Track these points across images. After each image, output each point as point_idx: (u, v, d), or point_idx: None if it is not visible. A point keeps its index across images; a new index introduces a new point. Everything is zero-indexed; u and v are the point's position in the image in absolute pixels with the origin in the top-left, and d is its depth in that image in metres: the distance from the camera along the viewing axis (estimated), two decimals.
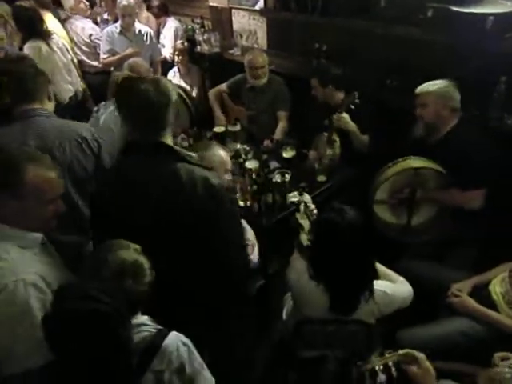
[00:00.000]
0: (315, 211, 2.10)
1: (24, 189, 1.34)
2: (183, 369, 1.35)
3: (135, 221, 1.52)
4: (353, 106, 2.68)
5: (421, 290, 1.90)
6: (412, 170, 2.28)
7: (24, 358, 1.29)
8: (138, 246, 1.40)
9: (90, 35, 4.38)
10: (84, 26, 4.40)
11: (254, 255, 2.14)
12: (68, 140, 1.95)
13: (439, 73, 2.57)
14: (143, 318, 1.40)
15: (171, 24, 4.78)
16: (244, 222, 2.22)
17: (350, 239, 1.65)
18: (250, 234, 2.22)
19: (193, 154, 1.68)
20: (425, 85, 2.34)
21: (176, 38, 4.67)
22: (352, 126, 2.74)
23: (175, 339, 1.34)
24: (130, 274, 1.32)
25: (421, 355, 1.48)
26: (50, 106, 2.04)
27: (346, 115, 2.70)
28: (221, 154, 2.01)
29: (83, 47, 4.37)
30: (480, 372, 1.37)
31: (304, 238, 1.90)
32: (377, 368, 1.46)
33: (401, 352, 1.50)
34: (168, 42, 4.68)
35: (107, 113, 2.68)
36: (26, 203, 1.36)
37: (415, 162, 2.29)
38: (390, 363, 1.47)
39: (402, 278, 1.89)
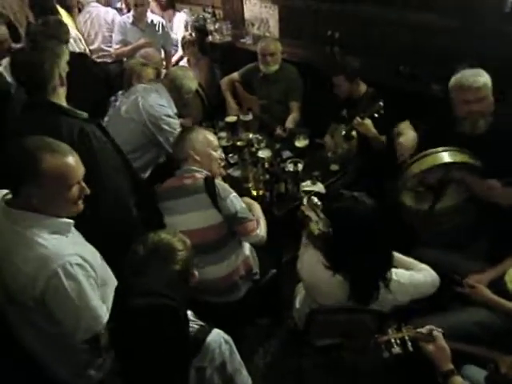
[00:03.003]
0: (319, 203, 2.09)
1: (44, 178, 1.37)
2: (224, 367, 1.35)
3: None
4: (377, 115, 2.56)
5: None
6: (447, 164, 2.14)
7: (90, 326, 1.45)
8: (183, 237, 1.47)
9: (113, 20, 4.32)
10: (107, 10, 4.38)
11: (261, 229, 2.16)
12: None
13: (455, 58, 2.52)
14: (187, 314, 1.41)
15: (180, 17, 4.74)
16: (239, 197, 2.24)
17: (371, 226, 1.63)
18: (255, 209, 2.27)
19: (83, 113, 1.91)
20: (474, 78, 2.10)
21: (186, 30, 4.65)
22: (373, 132, 2.64)
23: (218, 336, 1.34)
24: (161, 254, 1.36)
25: (438, 334, 1.48)
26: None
27: (368, 121, 2.59)
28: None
29: (106, 33, 4.29)
30: (502, 358, 1.36)
31: (314, 228, 1.88)
32: (392, 340, 1.48)
33: (419, 329, 1.51)
34: (180, 35, 4.63)
35: (129, 102, 2.69)
36: (48, 191, 1.40)
37: (451, 156, 2.11)
38: (407, 338, 1.49)
39: (423, 266, 1.84)
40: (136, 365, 1.14)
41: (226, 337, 1.38)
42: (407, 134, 2.39)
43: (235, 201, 2.09)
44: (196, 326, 1.36)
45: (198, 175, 2.11)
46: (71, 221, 1.49)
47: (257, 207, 2.30)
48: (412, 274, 1.78)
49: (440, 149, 2.13)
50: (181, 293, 1.27)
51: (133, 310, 1.10)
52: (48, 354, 1.56)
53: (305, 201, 2.12)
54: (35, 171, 1.35)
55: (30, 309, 1.43)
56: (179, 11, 4.84)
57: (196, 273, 1.49)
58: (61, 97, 1.88)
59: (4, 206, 1.41)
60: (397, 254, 1.88)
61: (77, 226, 1.54)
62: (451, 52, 2.69)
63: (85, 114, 1.92)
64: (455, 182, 2.27)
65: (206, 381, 1.32)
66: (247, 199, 2.31)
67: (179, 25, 4.72)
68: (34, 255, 1.36)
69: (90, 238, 1.62)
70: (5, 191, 1.47)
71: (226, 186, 2.16)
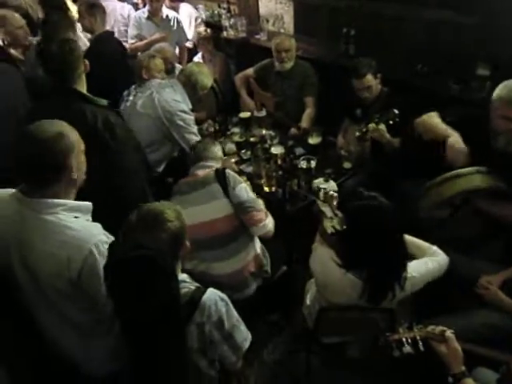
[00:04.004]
0: (336, 195, 2.08)
1: (76, 149, 1.47)
2: (222, 323, 1.45)
3: None
4: (391, 122, 2.54)
5: (449, 282, 1.87)
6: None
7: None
8: (178, 209, 1.53)
9: (129, 15, 4.33)
10: (123, 5, 4.40)
11: (268, 221, 2.19)
12: None
13: (472, 56, 2.48)
14: (183, 276, 1.52)
15: (185, 10, 4.72)
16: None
17: (388, 226, 1.63)
18: (263, 205, 2.28)
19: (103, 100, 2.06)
20: None
21: (191, 24, 4.64)
22: (387, 137, 2.60)
23: (213, 295, 1.45)
24: (150, 221, 1.42)
25: (450, 335, 1.47)
26: None
27: (382, 127, 2.56)
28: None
29: (122, 27, 4.31)
30: None
31: (328, 226, 1.86)
32: (404, 339, 1.48)
33: (430, 329, 1.50)
34: (185, 28, 4.60)
35: (144, 97, 2.72)
36: (79, 159, 1.49)
37: (481, 180, 2.03)
38: (418, 337, 1.48)
39: (433, 249, 1.84)
40: (132, 320, 1.26)
41: (222, 295, 1.48)
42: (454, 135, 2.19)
43: (244, 190, 2.15)
44: (192, 287, 1.46)
45: (210, 169, 2.19)
46: (90, 203, 1.54)
47: (263, 204, 2.31)
48: (423, 264, 1.76)
49: (472, 170, 2.04)
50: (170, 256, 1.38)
51: (125, 261, 1.21)
52: (70, 343, 1.59)
53: (321, 194, 2.12)
54: (71, 145, 1.44)
55: (59, 295, 1.47)
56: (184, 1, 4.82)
57: (188, 244, 1.53)
58: (83, 83, 2.04)
59: (23, 197, 1.44)
60: (407, 237, 1.86)
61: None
62: (470, 50, 2.65)
63: (104, 101, 2.03)
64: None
65: (207, 337, 1.43)
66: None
67: (184, 17, 4.70)
68: (66, 238, 1.41)
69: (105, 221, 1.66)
70: (12, 190, 1.49)
71: (238, 176, 2.21)
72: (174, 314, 1.29)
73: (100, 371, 1.64)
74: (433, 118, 2.30)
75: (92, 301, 1.49)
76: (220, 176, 2.13)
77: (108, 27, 4.26)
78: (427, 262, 1.79)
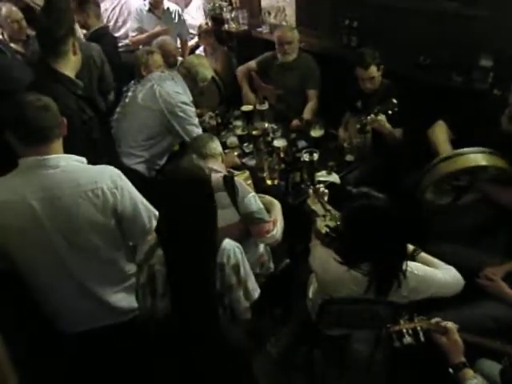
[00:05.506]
0: (326, 191, 2.06)
1: None
2: (238, 268, 1.56)
3: None
4: (390, 112, 2.54)
5: None
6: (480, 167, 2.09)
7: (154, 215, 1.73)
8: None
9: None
10: None
11: (277, 231, 2.13)
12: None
13: (477, 49, 2.46)
14: None
15: (196, 3, 4.68)
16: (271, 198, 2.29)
17: (387, 220, 1.61)
18: (274, 208, 2.24)
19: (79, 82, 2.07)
20: None
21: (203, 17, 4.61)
22: (388, 127, 2.60)
23: (231, 242, 1.58)
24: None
25: (451, 326, 1.47)
26: None
27: (382, 117, 2.56)
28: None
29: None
30: None
31: (321, 226, 1.83)
32: (404, 330, 1.48)
33: (432, 320, 1.50)
34: (198, 23, 4.55)
35: (145, 90, 2.70)
36: None
37: (485, 159, 2.06)
38: (419, 328, 1.48)
39: (448, 267, 1.79)
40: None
41: (238, 244, 1.60)
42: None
43: (253, 200, 2.07)
44: None
45: (217, 174, 2.10)
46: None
47: (277, 206, 2.26)
48: (429, 269, 1.74)
49: (476, 149, 2.07)
50: None
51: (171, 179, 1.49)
52: (106, 289, 1.73)
53: (310, 192, 2.09)
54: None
55: (101, 237, 1.62)
56: None
57: None
58: (70, 64, 2.04)
59: (35, 160, 1.50)
60: (423, 254, 1.85)
61: None
62: (474, 42, 2.62)
63: (80, 84, 2.06)
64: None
65: (226, 278, 1.54)
66: (269, 197, 2.30)
67: (196, 9, 4.67)
68: (93, 174, 1.57)
69: None
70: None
71: (245, 184, 2.15)
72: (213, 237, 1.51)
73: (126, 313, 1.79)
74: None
75: (132, 228, 1.69)
76: (228, 185, 2.05)
77: (120, 20, 4.24)
78: (436, 271, 1.76)
